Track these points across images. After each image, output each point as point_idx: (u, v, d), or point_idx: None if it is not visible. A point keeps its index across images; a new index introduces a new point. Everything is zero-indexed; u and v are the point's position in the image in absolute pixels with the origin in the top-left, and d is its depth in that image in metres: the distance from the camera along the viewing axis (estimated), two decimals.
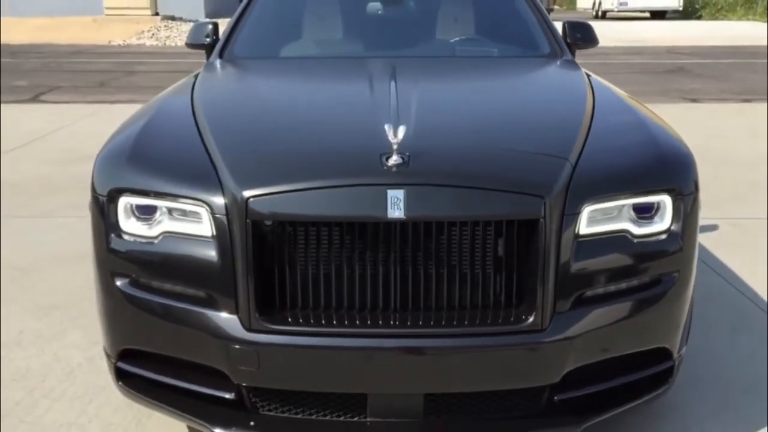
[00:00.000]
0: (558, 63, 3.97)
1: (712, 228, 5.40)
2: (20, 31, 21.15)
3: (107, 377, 2.98)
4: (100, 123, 8.41)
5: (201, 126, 2.85)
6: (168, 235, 2.58)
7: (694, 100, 11.24)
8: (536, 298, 2.46)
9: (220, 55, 4.11)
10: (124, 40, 21.07)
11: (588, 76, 3.66)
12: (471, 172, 2.51)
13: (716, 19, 33.10)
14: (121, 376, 2.77)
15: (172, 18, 24.20)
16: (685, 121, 8.25)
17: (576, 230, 2.50)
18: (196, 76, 3.68)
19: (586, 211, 2.51)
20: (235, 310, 2.49)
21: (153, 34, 21.80)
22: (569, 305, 2.51)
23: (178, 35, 21.35)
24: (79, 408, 3.25)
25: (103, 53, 18.44)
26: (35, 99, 11.38)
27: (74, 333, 3.90)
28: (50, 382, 3.46)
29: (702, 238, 4.78)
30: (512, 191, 2.44)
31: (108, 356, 2.81)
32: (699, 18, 33.76)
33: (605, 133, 2.85)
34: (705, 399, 3.23)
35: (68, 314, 4.10)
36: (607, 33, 19.49)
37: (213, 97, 3.30)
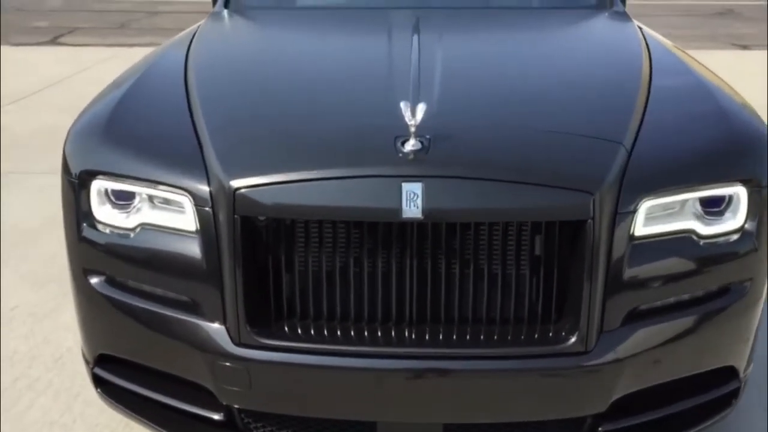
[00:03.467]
0: (606, 15, 3.46)
1: None
2: None
3: None
4: (119, 68, 8.03)
5: (191, 95, 2.44)
6: (147, 227, 2.19)
7: (744, 47, 10.55)
8: (580, 314, 2.05)
9: (226, 4, 3.65)
10: None
11: (641, 30, 3.17)
12: (504, 161, 2.08)
13: None
14: (99, 382, 2.43)
15: None
16: (734, 71, 7.64)
17: (631, 231, 2.07)
18: (198, 29, 3.24)
19: (644, 207, 2.08)
20: (222, 320, 2.11)
21: None
22: (620, 321, 2.10)
23: None
24: (64, 404, 2.93)
25: None
26: (54, 41, 11.00)
27: (69, 310, 3.57)
28: (37, 370, 3.15)
29: None
30: (555, 186, 2.01)
31: (86, 360, 2.46)
32: None
33: (665, 108, 2.39)
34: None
35: (63, 288, 3.77)
36: None
37: (210, 57, 2.86)
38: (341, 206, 2.01)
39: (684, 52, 3.04)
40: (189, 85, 2.52)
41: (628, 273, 2.07)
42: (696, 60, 2.96)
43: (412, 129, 2.02)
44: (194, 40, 3.01)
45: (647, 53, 2.80)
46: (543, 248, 2.06)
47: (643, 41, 2.96)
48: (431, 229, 2.03)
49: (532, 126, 2.23)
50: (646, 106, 2.35)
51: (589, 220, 2.01)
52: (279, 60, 2.82)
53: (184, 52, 2.85)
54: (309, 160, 2.06)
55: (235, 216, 2.03)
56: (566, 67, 2.71)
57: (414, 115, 2.02)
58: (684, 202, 2.14)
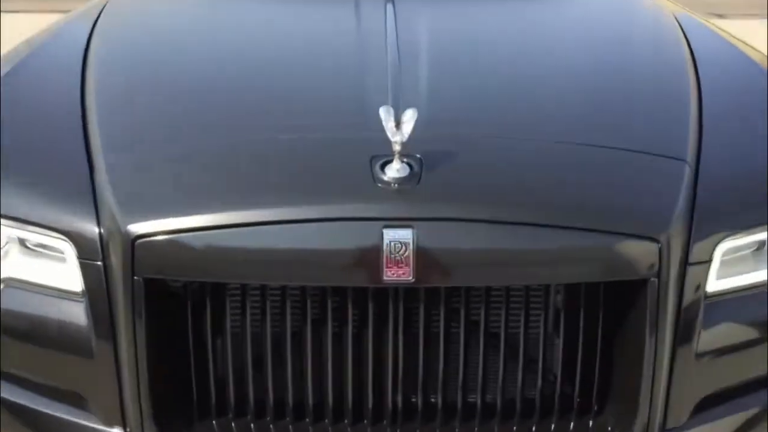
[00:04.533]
0: None
1: None
2: None
3: None
4: None
5: (88, 93, 1.74)
6: (14, 284, 1.52)
7: (720, 16, 10.04)
8: (635, 404, 1.44)
9: None
10: None
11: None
12: (531, 196, 1.44)
13: None
14: None
15: None
16: None
17: (704, 287, 1.46)
18: None
19: (720, 251, 1.47)
20: (120, 422, 1.47)
21: None
22: (688, 413, 1.50)
23: None
24: None
25: None
26: None
27: None
28: None
29: None
30: (603, 231, 1.39)
31: None
32: None
33: (723, 108, 1.77)
34: None
35: None
36: None
37: (120, 39, 2.07)
38: (293, 264, 1.37)
39: (722, 30, 2.40)
40: (87, 79, 1.81)
41: (702, 345, 1.47)
42: (736, 37, 2.33)
43: (397, 146, 1.37)
44: (103, 13, 2.26)
45: (682, 34, 2.15)
46: (583, 321, 1.45)
47: (673, 18, 2.30)
48: (425, 296, 1.40)
49: (564, 140, 1.57)
50: (700, 107, 1.73)
51: (653, 279, 1.39)
52: (210, 45, 2.01)
53: (88, 30, 2.11)
54: (246, 196, 1.40)
55: (135, 278, 1.38)
56: (598, 52, 2.00)
57: (399, 123, 1.38)
58: (763, 242, 1.54)
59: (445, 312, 1.44)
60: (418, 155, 1.42)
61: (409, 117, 1.37)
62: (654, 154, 1.55)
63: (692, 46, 2.04)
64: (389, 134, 1.37)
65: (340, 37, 1.98)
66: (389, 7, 2.02)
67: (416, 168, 1.40)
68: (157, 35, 2.10)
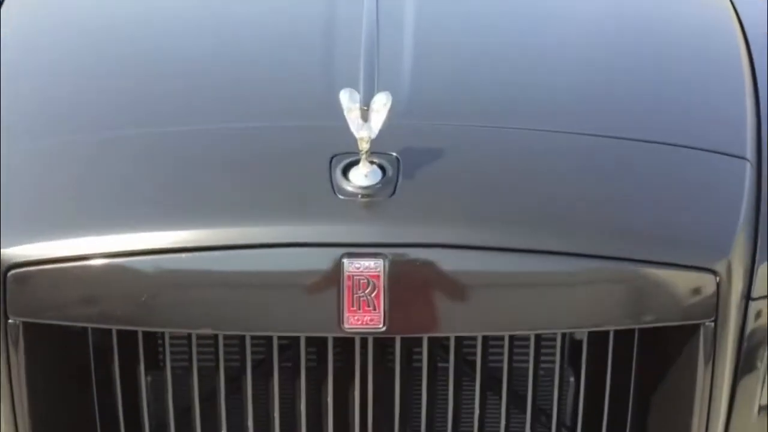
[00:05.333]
0: None
1: None
2: None
3: None
4: None
5: None
6: None
7: None
8: None
9: None
10: None
11: None
12: (541, 212, 1.08)
13: None
14: None
15: None
16: None
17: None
18: None
19: None
20: None
21: None
22: None
23: None
24: None
25: None
26: None
27: None
28: None
29: None
30: (640, 260, 1.03)
31: None
32: None
33: None
34: None
35: None
36: None
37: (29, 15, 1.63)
38: (219, 306, 1.01)
39: None
40: None
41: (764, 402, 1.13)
42: None
43: (364, 143, 1.01)
44: None
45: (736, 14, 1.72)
46: (609, 365, 1.10)
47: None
48: (401, 348, 1.04)
49: (584, 130, 1.18)
50: (756, 95, 1.34)
51: (708, 323, 1.04)
52: (141, 18, 1.52)
53: None
54: (158, 212, 1.04)
55: (11, 320, 1.02)
56: (621, 25, 1.57)
57: (367, 113, 1.01)
58: None
59: (430, 350, 1.09)
60: (393, 154, 1.06)
61: (381, 104, 1.00)
62: (704, 149, 1.18)
63: (743, 24, 1.64)
64: (353, 128, 1.00)
65: (304, 5, 1.56)
66: None
67: (390, 172, 1.03)
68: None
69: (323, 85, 1.17)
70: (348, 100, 1.01)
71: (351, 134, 1.01)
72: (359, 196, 1.01)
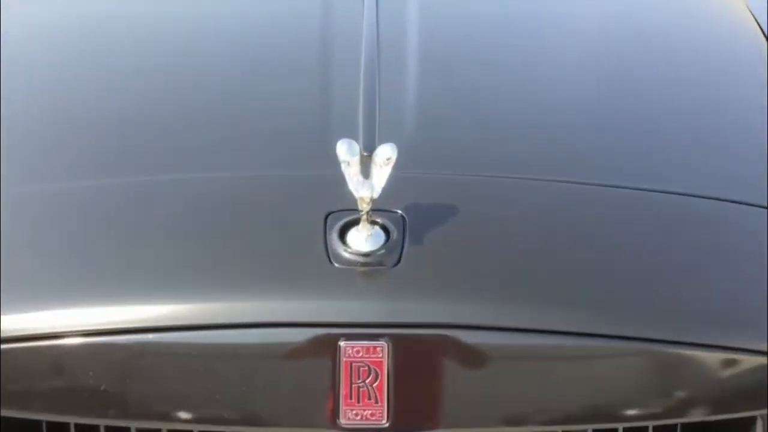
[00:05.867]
0: None
1: None
2: None
3: None
4: None
5: None
6: None
7: None
8: None
9: None
10: None
11: None
12: (572, 287, 0.91)
13: None
14: None
15: None
16: None
17: None
18: None
19: None
20: None
21: None
22: None
23: None
24: None
25: None
26: None
27: None
28: None
29: None
30: (681, 342, 0.88)
31: None
32: None
33: None
34: None
35: None
36: None
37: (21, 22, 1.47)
38: (200, 394, 0.86)
39: None
40: None
41: None
42: None
43: (365, 203, 0.86)
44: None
45: (757, 26, 1.57)
46: None
47: (745, 6, 1.70)
48: None
49: (607, 181, 1.03)
50: None
51: (761, 415, 0.89)
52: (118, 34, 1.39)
53: None
54: (118, 287, 0.88)
55: None
56: (638, 48, 1.40)
57: (369, 166, 0.87)
58: None
59: None
60: (398, 212, 0.91)
61: (385, 158, 0.85)
62: (749, 204, 1.04)
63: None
64: (351, 186, 0.85)
65: (300, 21, 1.40)
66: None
67: (395, 235, 0.88)
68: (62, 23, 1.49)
69: (318, 128, 1.03)
70: (346, 153, 0.85)
71: (346, 188, 0.86)
72: (359, 264, 0.86)
